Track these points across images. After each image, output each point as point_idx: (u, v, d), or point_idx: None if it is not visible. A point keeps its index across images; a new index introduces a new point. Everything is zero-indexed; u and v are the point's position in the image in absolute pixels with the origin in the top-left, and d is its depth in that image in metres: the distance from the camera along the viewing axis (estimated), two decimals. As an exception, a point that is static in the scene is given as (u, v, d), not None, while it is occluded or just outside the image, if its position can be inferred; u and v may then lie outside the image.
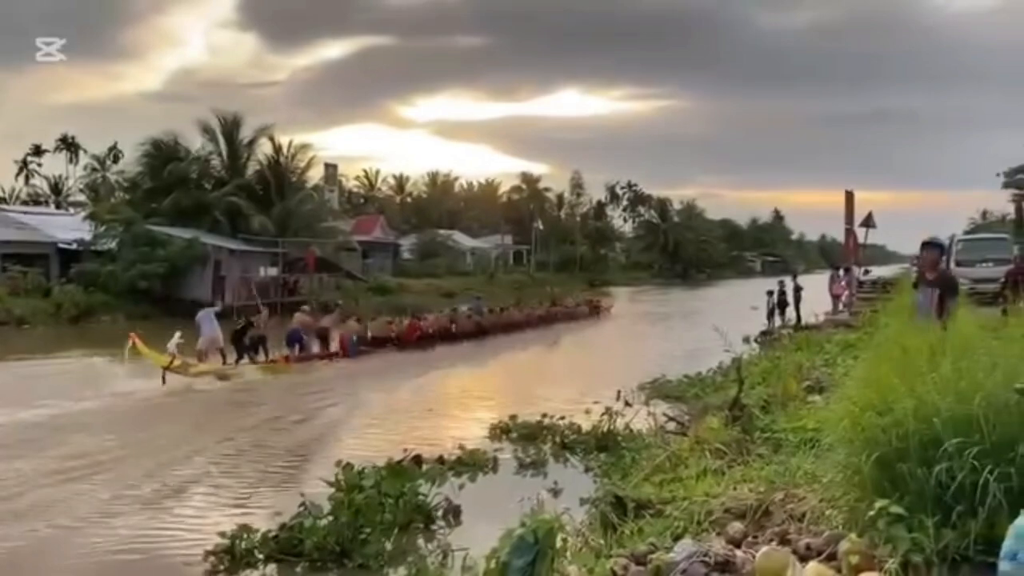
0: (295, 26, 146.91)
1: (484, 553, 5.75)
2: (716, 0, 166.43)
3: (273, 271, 41.45)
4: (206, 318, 20.03)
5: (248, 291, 38.34)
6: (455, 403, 16.92)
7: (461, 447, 10.57)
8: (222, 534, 6.97)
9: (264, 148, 47.57)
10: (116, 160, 66.66)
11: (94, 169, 70.61)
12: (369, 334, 24.71)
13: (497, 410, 13.97)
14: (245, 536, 6.87)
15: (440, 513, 8.11)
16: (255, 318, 21.34)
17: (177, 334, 18.26)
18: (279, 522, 7.25)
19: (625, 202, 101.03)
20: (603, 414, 11.67)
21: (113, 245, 38.30)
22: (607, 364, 21.90)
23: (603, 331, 34.16)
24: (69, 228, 41.34)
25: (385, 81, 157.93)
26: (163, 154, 44.58)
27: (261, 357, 20.57)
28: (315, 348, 22.83)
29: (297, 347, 21.83)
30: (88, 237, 39.23)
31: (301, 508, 7.21)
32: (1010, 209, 69.28)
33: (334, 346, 23.21)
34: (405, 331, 25.94)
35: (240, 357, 20.26)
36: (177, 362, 17.90)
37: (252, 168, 47.46)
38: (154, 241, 37.63)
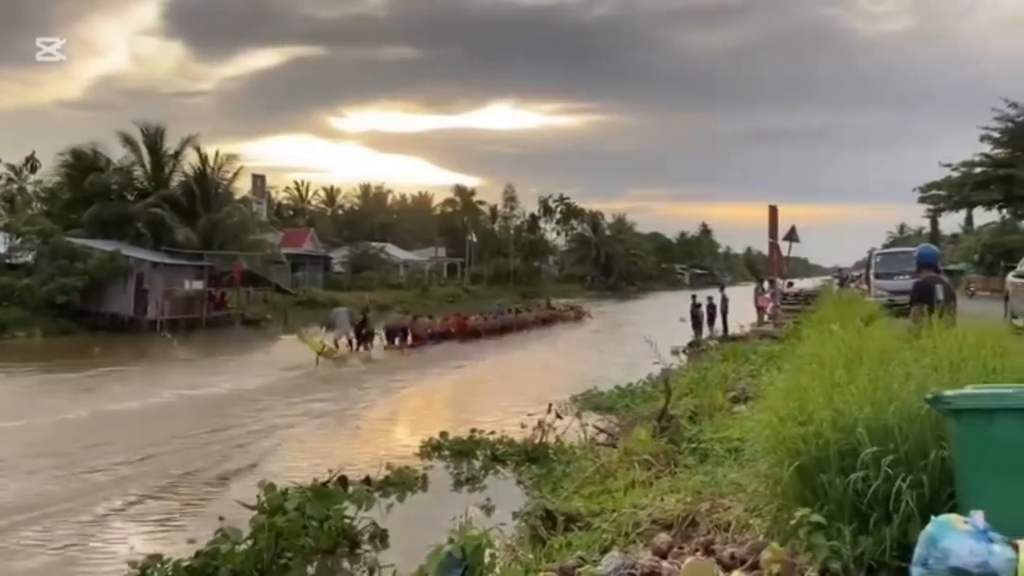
0: (222, 35, 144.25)
1: (411, 572, 5.67)
2: (645, 17, 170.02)
3: (199, 285, 40.42)
4: (341, 315, 26.93)
5: (172, 305, 37.52)
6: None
7: (388, 466, 10.38)
8: (132, 564, 6.64)
9: (190, 159, 46.51)
10: (34, 170, 63.95)
11: (9, 179, 67.77)
12: (428, 330, 31.01)
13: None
14: (157, 566, 6.53)
15: (366, 537, 7.87)
16: (368, 316, 28.51)
17: (323, 329, 26.44)
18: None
19: (558, 215, 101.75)
20: (535, 427, 11.67)
21: (30, 258, 36.93)
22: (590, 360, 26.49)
23: (583, 330, 41.04)
24: (-19, 241, 39.64)
25: (315, 91, 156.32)
26: (83, 164, 43.19)
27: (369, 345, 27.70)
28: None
29: (395, 339, 29.34)
30: (2, 250, 37.64)
31: (218, 533, 6.90)
32: (926, 223, 72.43)
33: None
34: (456, 326, 32.62)
35: (360, 346, 26.96)
36: (324, 349, 24.71)
37: (177, 179, 46.30)
38: (73, 254, 36.31)
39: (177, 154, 46.15)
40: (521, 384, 20.06)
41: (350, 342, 26.80)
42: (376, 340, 28.71)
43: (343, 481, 8.66)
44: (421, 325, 30.84)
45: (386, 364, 25.63)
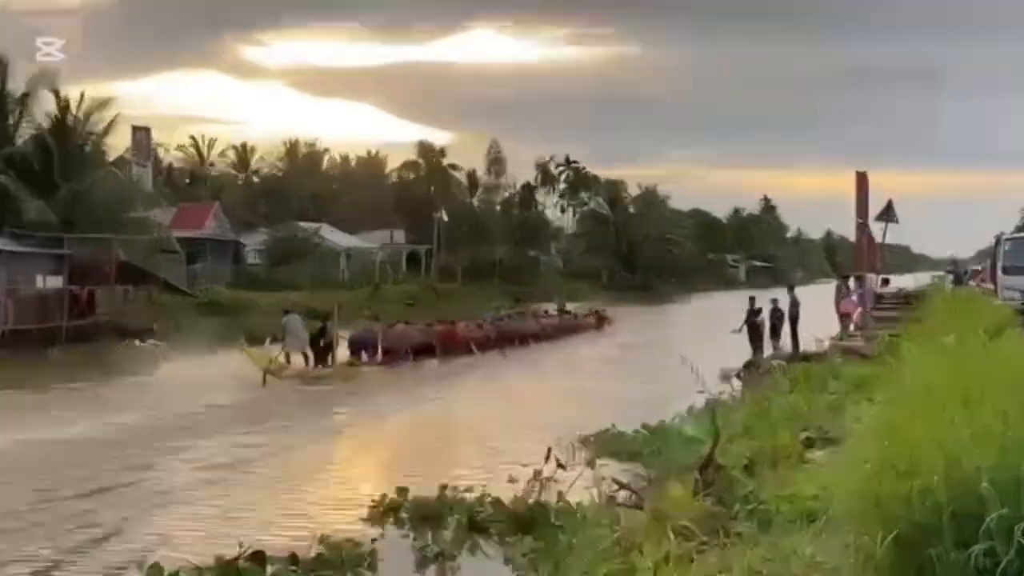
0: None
1: None
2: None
3: (57, 280, 40.29)
4: (293, 321, 29.33)
5: (18, 309, 37.28)
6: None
7: (322, 538, 10.36)
8: None
9: (44, 104, 46.49)
10: None
11: None
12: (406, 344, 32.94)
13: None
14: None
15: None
16: (328, 324, 30.08)
17: (268, 339, 28.71)
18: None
19: (563, 185, 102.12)
20: (530, 480, 11.67)
21: None
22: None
23: (604, 344, 43.40)
24: None
25: (222, 11, 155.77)
26: None
27: (330, 361, 29.30)
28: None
29: (362, 353, 31.47)
30: None
31: None
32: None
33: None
34: (441, 337, 34.83)
35: (318, 361, 28.91)
36: (273, 365, 26.73)
37: (26, 132, 46.26)
38: None
39: (26, 96, 46.10)
40: (517, 419, 20.30)
41: (306, 357, 28.84)
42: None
43: (259, 559, 8.62)
44: (396, 335, 33.09)
45: (345, 388, 26.80)
